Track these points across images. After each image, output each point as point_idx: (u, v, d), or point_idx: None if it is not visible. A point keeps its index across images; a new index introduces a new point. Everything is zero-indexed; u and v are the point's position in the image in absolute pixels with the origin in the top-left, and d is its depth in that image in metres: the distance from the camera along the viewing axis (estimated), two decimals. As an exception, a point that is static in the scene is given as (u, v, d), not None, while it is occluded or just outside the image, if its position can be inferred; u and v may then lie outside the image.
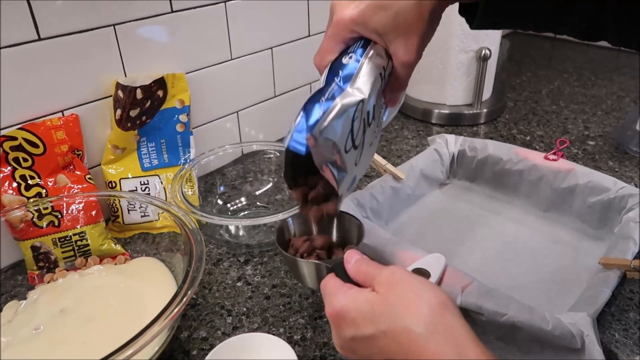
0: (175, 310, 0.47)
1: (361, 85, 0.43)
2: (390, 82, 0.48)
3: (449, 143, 0.84)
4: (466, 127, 1.06)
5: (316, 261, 0.50)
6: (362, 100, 0.42)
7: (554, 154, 0.75)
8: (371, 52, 0.45)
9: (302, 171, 0.49)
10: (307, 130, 0.40)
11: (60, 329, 0.54)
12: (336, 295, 0.41)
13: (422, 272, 0.53)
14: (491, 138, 0.99)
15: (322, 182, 0.49)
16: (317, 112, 0.40)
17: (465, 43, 1.01)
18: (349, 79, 0.43)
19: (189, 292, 0.49)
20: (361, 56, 0.44)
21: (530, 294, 0.60)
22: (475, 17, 0.44)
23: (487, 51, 0.99)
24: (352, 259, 0.44)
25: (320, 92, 0.42)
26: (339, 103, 0.41)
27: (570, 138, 0.98)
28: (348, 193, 0.52)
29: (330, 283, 0.42)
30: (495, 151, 0.80)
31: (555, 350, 0.49)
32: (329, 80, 0.43)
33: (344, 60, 0.44)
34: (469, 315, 0.52)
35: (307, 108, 0.41)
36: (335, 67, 0.44)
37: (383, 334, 0.36)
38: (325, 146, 0.41)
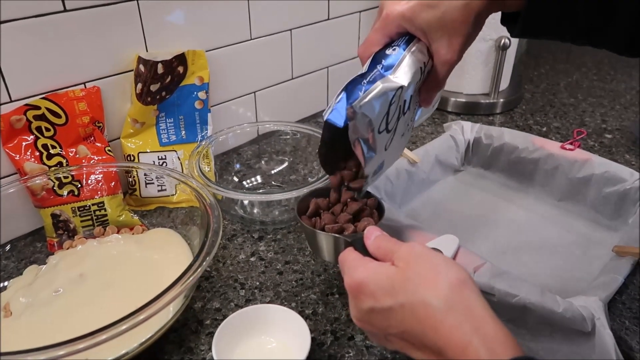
0: (191, 278, 0.48)
1: (401, 74, 0.45)
2: (428, 80, 0.50)
3: (464, 130, 0.84)
4: (482, 116, 1.06)
5: (336, 234, 0.50)
6: (402, 87, 0.45)
7: (571, 143, 0.75)
8: (414, 47, 0.47)
9: (335, 152, 0.52)
10: (347, 104, 0.43)
11: (79, 293, 0.55)
12: (356, 267, 0.41)
13: (436, 251, 0.54)
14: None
15: (354, 163, 0.52)
16: (358, 91, 0.43)
17: (484, 31, 0.99)
18: (391, 67, 0.46)
19: (205, 261, 0.50)
20: (404, 50, 0.47)
21: (541, 282, 0.60)
22: (516, 26, 0.46)
23: (507, 40, 0.99)
24: (372, 235, 0.45)
25: (362, 76, 0.45)
26: (380, 85, 0.44)
27: (587, 130, 0.98)
28: (374, 179, 0.54)
29: (351, 256, 0.43)
30: (511, 139, 0.79)
31: (565, 334, 0.49)
32: (371, 68, 0.46)
33: (388, 51, 0.47)
34: (480, 296, 0.52)
35: (348, 88, 0.44)
36: (379, 57, 0.47)
37: (401, 306, 0.37)
38: (362, 122, 0.43)
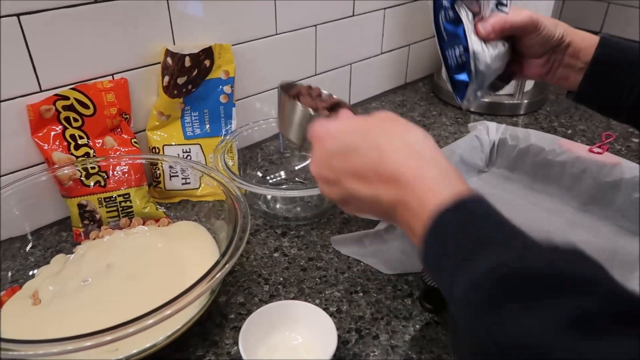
0: (219, 274, 0.48)
1: None
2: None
3: (490, 130, 0.83)
4: (505, 117, 1.05)
5: (313, 112, 0.50)
6: None
7: (599, 147, 0.74)
8: None
9: None
10: None
11: (106, 283, 0.55)
12: (329, 122, 0.43)
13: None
14: (531, 129, 0.98)
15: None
16: None
17: (511, 31, 0.99)
18: None
19: (234, 258, 0.50)
20: None
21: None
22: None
23: (534, 40, 0.97)
24: (346, 114, 0.46)
25: None
26: None
27: (614, 134, 0.96)
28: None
29: (324, 120, 0.44)
30: (537, 141, 0.78)
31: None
32: None
33: None
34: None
35: None
36: None
37: (365, 140, 0.39)
38: None
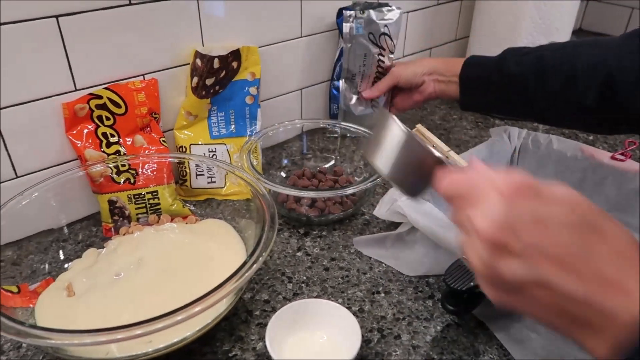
0: (248, 273, 0.49)
1: None
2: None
3: (512, 135, 0.83)
4: (526, 122, 1.05)
5: (435, 152, 0.41)
6: None
7: (622, 154, 0.74)
8: None
9: None
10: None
11: (138, 278, 0.57)
12: (499, 172, 0.33)
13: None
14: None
15: None
16: None
17: (534, 36, 0.99)
18: None
19: (262, 256, 0.51)
20: None
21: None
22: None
23: (557, 46, 0.97)
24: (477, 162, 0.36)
25: None
26: None
27: (637, 141, 0.96)
28: None
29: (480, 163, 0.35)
30: (559, 147, 0.79)
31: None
32: None
33: None
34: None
35: None
36: None
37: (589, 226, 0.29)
38: None
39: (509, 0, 0.97)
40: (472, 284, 0.53)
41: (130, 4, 0.68)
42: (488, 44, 1.05)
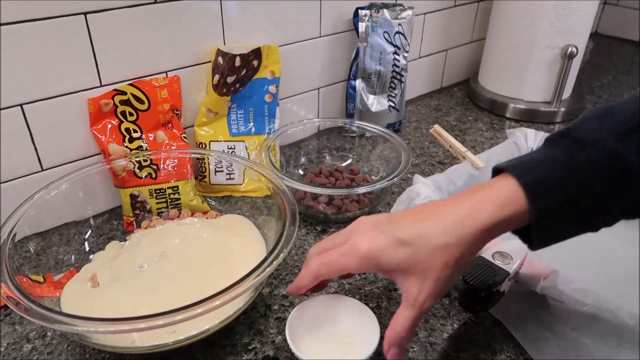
0: (268, 268, 0.49)
1: None
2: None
3: (528, 137, 0.84)
4: (542, 124, 1.05)
5: None
6: None
7: None
8: None
9: None
10: None
11: (160, 270, 0.59)
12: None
13: (504, 255, 0.55)
14: (568, 137, 0.98)
15: None
16: None
17: (551, 39, 0.99)
18: None
19: (283, 252, 0.51)
20: None
21: (607, 294, 0.60)
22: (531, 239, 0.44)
23: (574, 49, 0.98)
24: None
25: None
26: None
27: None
28: None
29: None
30: (576, 150, 0.79)
31: (633, 346, 0.50)
32: None
33: None
34: (547, 303, 0.53)
35: None
36: None
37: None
38: None
39: (527, 1, 0.97)
40: (490, 282, 0.53)
41: (155, 2, 0.69)
42: (505, 46, 1.06)
